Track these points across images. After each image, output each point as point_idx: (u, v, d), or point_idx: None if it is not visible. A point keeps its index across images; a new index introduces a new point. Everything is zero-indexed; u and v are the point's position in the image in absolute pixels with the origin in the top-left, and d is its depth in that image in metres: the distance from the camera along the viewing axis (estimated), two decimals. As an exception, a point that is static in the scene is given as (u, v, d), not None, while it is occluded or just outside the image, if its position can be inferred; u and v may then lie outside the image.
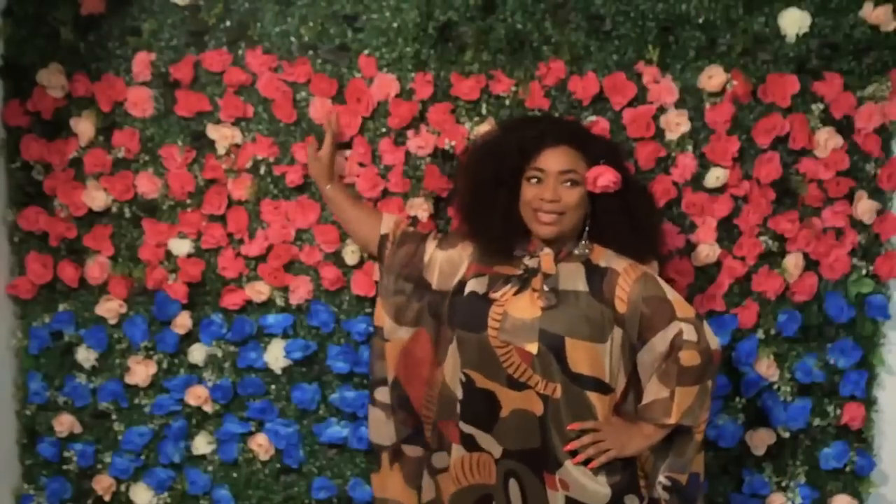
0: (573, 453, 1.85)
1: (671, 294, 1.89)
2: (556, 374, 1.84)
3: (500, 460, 1.91)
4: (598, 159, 1.88)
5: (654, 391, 1.88)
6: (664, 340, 1.86)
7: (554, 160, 1.88)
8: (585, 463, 1.85)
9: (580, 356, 1.84)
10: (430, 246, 2.06)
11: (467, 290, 1.97)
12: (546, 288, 1.87)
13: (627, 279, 1.87)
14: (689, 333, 1.85)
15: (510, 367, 1.87)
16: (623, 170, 1.93)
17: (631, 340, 1.88)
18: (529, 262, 1.92)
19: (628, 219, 1.92)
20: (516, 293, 1.90)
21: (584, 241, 1.93)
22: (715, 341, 1.90)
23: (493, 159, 1.93)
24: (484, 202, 1.93)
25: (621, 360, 1.88)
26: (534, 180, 1.89)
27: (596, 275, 1.89)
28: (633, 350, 1.89)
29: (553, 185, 1.87)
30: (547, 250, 1.91)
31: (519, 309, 1.88)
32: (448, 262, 2.04)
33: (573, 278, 1.89)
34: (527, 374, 1.85)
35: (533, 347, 1.84)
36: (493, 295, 1.92)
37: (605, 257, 1.92)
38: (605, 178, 1.86)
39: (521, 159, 1.90)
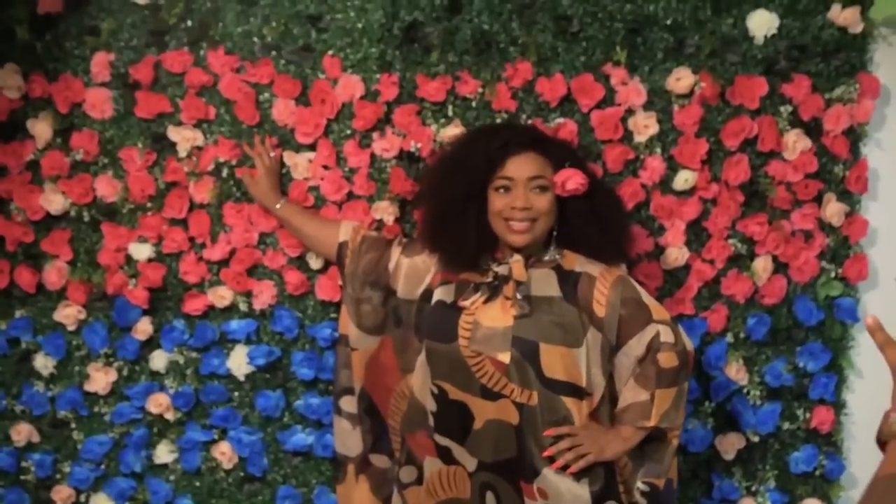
0: (551, 461, 1.82)
1: (647, 297, 1.89)
2: (532, 382, 1.81)
3: (475, 473, 1.88)
4: (563, 163, 1.87)
5: (631, 395, 1.86)
6: (641, 343, 1.84)
7: (521, 167, 1.85)
8: (564, 469, 1.82)
9: (555, 361, 1.81)
10: (396, 252, 2.03)
11: (434, 299, 1.94)
12: (519, 296, 1.84)
13: (605, 282, 1.85)
14: (667, 335, 1.84)
15: (483, 377, 1.83)
16: (588, 171, 1.91)
17: (610, 343, 1.86)
18: (499, 269, 1.89)
19: (597, 221, 1.90)
20: (486, 301, 1.87)
21: (553, 247, 1.91)
22: (689, 343, 1.90)
23: (461, 173, 1.89)
24: (455, 217, 1.89)
25: (599, 364, 1.85)
26: (501, 189, 1.86)
27: (569, 280, 1.87)
28: (613, 353, 1.87)
29: (523, 193, 1.84)
30: (517, 257, 1.88)
31: (490, 318, 1.84)
32: (413, 269, 2.00)
33: (545, 284, 1.87)
34: (501, 383, 1.82)
35: (505, 357, 1.81)
36: (462, 303, 1.88)
37: (578, 263, 1.89)
38: (573, 181, 1.84)
39: (488, 170, 1.87)
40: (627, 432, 1.86)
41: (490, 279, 1.89)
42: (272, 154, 2.17)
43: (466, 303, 1.88)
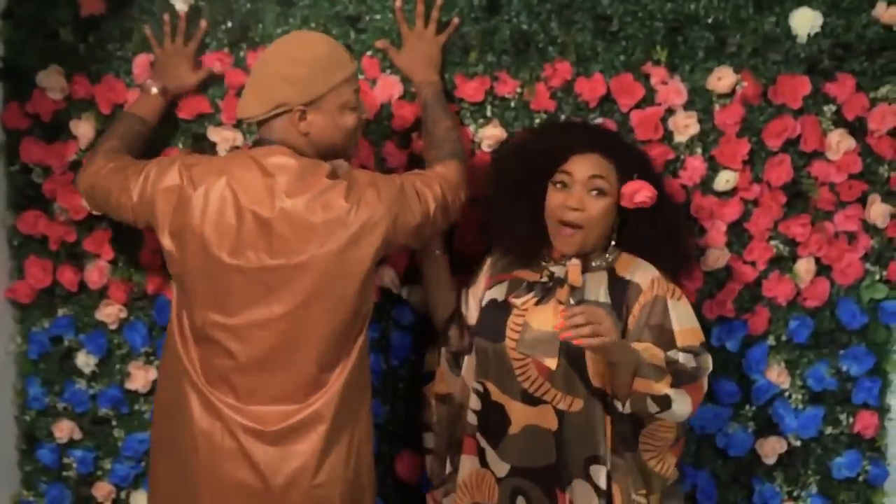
0: (585, 469, 1.80)
1: (678, 322, 1.80)
2: (578, 389, 1.79)
3: (505, 479, 1.86)
4: (632, 173, 1.83)
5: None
6: None
7: (583, 165, 1.83)
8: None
9: (600, 370, 1.78)
10: (467, 294, 2.03)
11: (487, 298, 1.93)
12: (572, 301, 1.81)
13: (644, 299, 1.81)
14: (687, 360, 1.76)
15: (526, 381, 1.81)
16: (657, 183, 1.88)
17: None
18: (555, 270, 1.87)
19: (659, 234, 1.87)
20: (538, 303, 1.85)
21: (608, 254, 1.88)
22: (706, 369, 1.80)
23: (521, 162, 1.90)
24: (510, 206, 1.89)
25: None
26: (559, 185, 1.85)
27: (618, 287, 1.84)
28: None
29: (579, 192, 1.82)
30: (575, 261, 1.85)
31: (540, 321, 1.82)
32: (475, 290, 2.01)
33: (596, 289, 1.85)
34: (543, 388, 1.81)
35: (552, 363, 1.79)
36: (512, 300, 1.86)
37: (630, 268, 1.86)
38: (642, 194, 1.82)
39: (549, 163, 1.86)
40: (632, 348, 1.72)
41: (545, 279, 1.87)
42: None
43: (518, 301, 1.86)
